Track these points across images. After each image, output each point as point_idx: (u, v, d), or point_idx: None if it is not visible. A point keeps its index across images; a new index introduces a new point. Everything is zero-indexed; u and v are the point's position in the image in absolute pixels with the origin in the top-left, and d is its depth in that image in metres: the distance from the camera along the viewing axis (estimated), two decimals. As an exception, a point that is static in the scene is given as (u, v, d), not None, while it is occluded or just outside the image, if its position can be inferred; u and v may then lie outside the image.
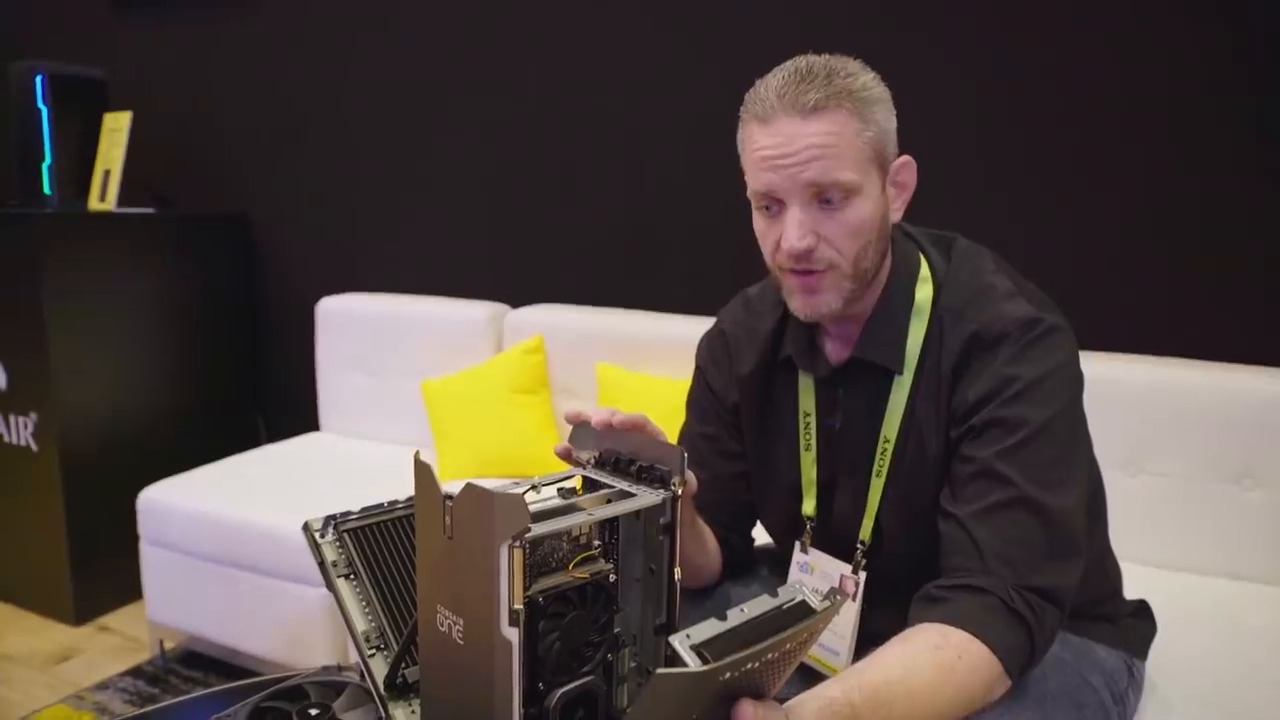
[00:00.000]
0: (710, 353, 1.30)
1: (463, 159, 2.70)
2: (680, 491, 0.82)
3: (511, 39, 2.57)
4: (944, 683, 0.88)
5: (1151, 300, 1.97)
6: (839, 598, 0.76)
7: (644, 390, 2.21)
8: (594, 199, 2.54)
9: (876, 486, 1.12)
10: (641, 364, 2.27)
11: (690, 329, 2.24)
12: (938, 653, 0.90)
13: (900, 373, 1.09)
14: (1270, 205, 1.86)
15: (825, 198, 1.01)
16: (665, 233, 2.46)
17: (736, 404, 1.25)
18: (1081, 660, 1.11)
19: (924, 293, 1.10)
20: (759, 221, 1.08)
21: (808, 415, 1.17)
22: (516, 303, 2.59)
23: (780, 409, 1.21)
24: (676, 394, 2.11)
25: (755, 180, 1.04)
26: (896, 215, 1.09)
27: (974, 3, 2.04)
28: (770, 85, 1.03)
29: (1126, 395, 1.81)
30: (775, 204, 1.04)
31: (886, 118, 1.04)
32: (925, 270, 1.12)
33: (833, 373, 1.15)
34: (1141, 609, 1.28)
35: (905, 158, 1.07)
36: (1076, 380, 1.06)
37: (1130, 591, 1.29)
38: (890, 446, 1.10)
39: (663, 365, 2.23)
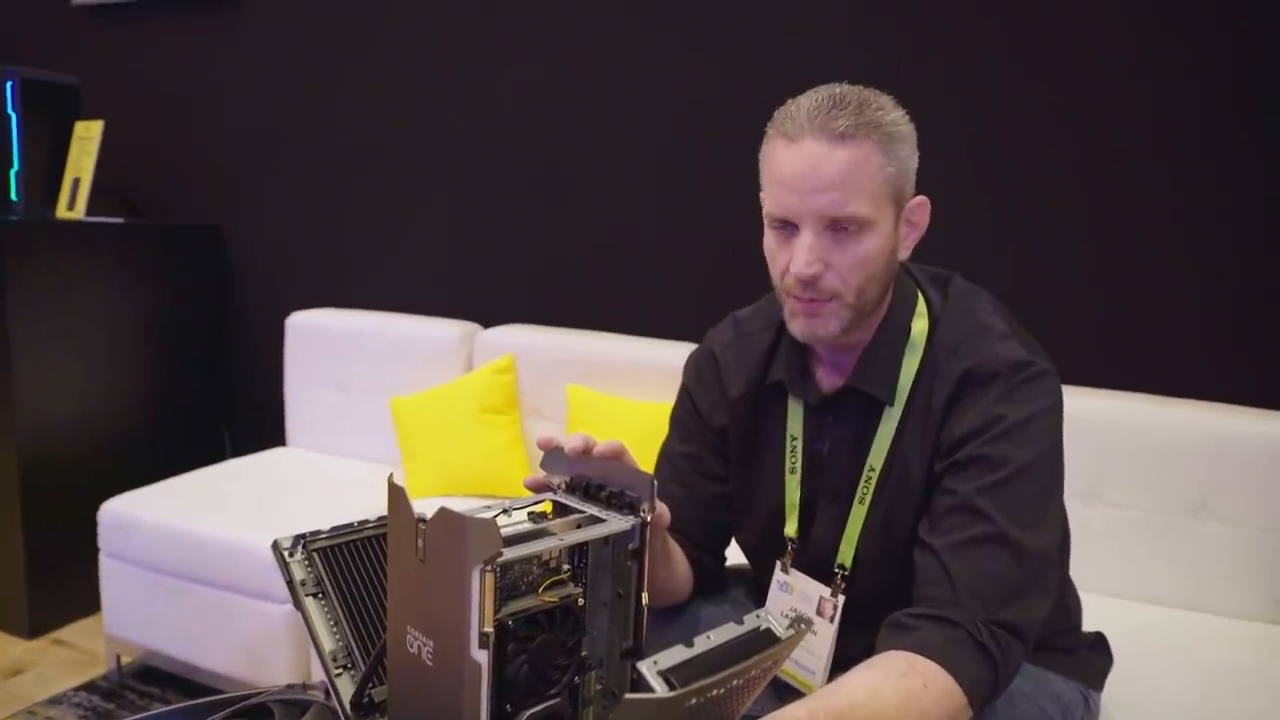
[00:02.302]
0: (698, 373, 1.31)
1: (437, 177, 2.71)
2: (649, 518, 0.83)
3: (485, 59, 2.59)
4: (909, 710, 0.90)
5: (1112, 336, 2.01)
6: (803, 626, 0.78)
7: (615, 413, 2.21)
8: (567, 220, 2.56)
9: (859, 513, 1.14)
10: (612, 386, 2.28)
11: (662, 353, 2.26)
12: (904, 680, 0.91)
13: (891, 404, 1.12)
14: (1231, 245, 1.91)
15: (838, 228, 1.03)
16: (639, 256, 2.48)
17: (724, 427, 1.26)
18: (1039, 691, 1.12)
19: (919, 327, 1.13)
20: (770, 240, 1.09)
21: (794, 439, 1.19)
22: (488, 322, 2.59)
23: (767, 431, 1.23)
24: (647, 417, 2.14)
25: (773, 201, 1.06)
26: (904, 254, 1.11)
27: (954, 28, 2.08)
28: (802, 106, 1.04)
29: (1086, 428, 1.84)
30: (789, 226, 1.06)
31: (909, 155, 1.06)
32: (922, 305, 1.14)
33: (824, 400, 1.17)
34: (1098, 641, 1.30)
35: (921, 198, 1.10)
36: (1059, 424, 1.09)
37: (1088, 622, 1.31)
38: (875, 475, 1.13)
39: (634, 388, 2.25)
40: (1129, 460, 1.84)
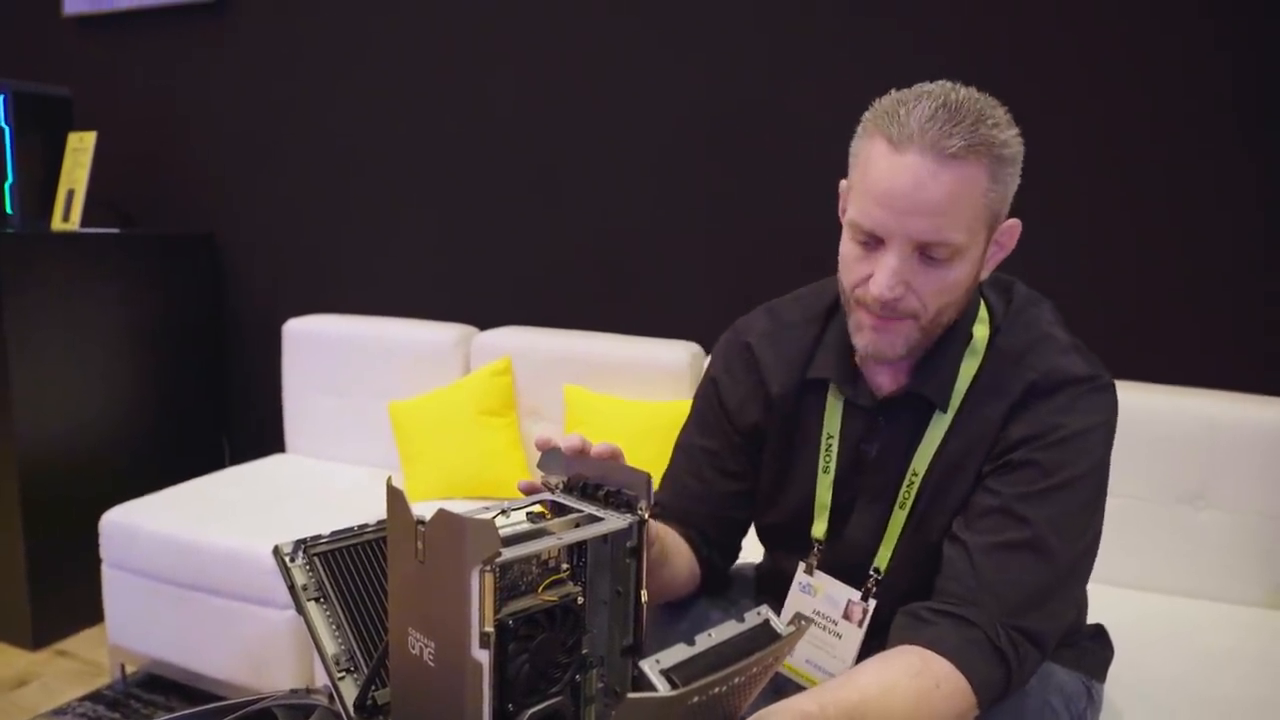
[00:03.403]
0: (728, 364, 1.24)
1: (430, 181, 2.72)
2: (647, 516, 0.83)
3: (477, 63, 2.60)
4: (919, 709, 0.89)
5: (1106, 325, 2.02)
6: (803, 624, 0.79)
7: (612, 413, 2.22)
8: (562, 222, 2.56)
9: (899, 518, 1.12)
10: (609, 386, 2.28)
11: (659, 352, 2.26)
12: (917, 679, 0.91)
13: (945, 410, 1.09)
14: (1226, 233, 1.91)
15: (928, 253, 0.98)
16: (634, 256, 2.49)
17: (754, 423, 1.21)
18: (1043, 683, 1.12)
19: (980, 333, 1.10)
20: (848, 242, 1.04)
21: (830, 437, 1.16)
22: (484, 325, 2.60)
23: (805, 429, 1.19)
24: (645, 417, 2.15)
25: (862, 211, 1.00)
26: (985, 274, 1.07)
27: (952, 26, 2.09)
28: (914, 112, 0.96)
29: (1083, 418, 1.84)
30: (873, 240, 1.00)
31: (1013, 178, 1.01)
32: (983, 311, 1.12)
33: (876, 402, 1.13)
34: (1099, 633, 1.30)
35: (1014, 220, 1.05)
36: (1112, 440, 1.08)
37: (1090, 611, 1.31)
38: (918, 480, 1.10)
39: (631, 388, 2.25)
40: (1125, 449, 1.81)
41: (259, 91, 2.93)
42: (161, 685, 2.34)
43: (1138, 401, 1.85)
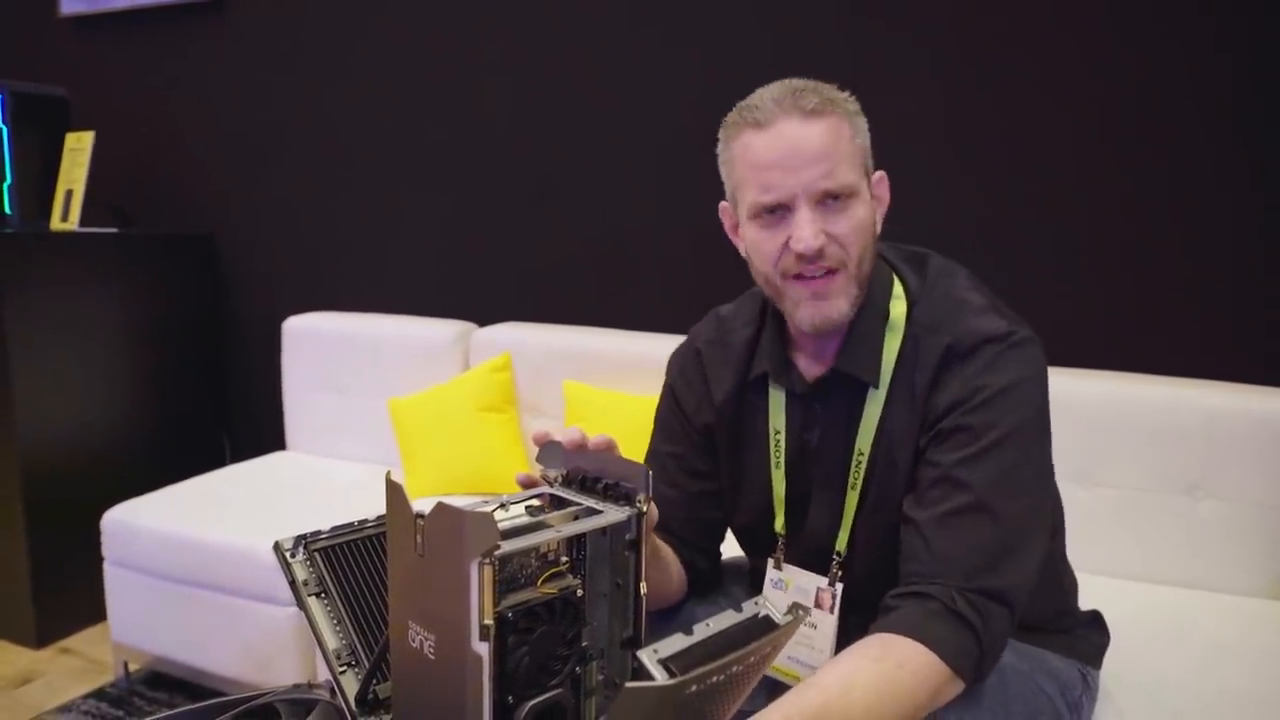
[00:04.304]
0: (682, 370, 1.29)
1: (428, 178, 2.72)
2: (646, 509, 0.84)
3: (472, 59, 2.60)
4: (886, 695, 0.90)
5: (1103, 316, 2.02)
6: (801, 612, 0.79)
7: (611, 408, 2.22)
8: (560, 217, 2.57)
9: (852, 499, 1.14)
10: (609, 382, 2.29)
11: (658, 347, 2.26)
12: (877, 665, 0.92)
13: (876, 386, 1.11)
14: (1222, 222, 1.92)
15: (830, 199, 1.04)
16: (633, 251, 2.49)
17: (708, 425, 1.25)
18: (1036, 669, 1.13)
19: (898, 309, 1.13)
20: (754, 232, 1.09)
21: (778, 433, 1.19)
22: (483, 321, 2.60)
23: (752, 427, 1.22)
24: (644, 412, 2.13)
25: (758, 189, 1.06)
26: (877, 227, 1.12)
27: (947, 24, 2.09)
28: (765, 96, 1.07)
29: (1079, 409, 1.85)
30: (780, 209, 1.06)
31: (866, 132, 1.10)
32: (898, 288, 1.14)
33: (809, 388, 1.16)
34: (1094, 619, 1.31)
35: (881, 173, 1.13)
36: (1044, 391, 1.09)
37: (1085, 601, 1.32)
38: (864, 459, 1.12)
39: (630, 383, 2.25)
40: (1123, 440, 1.84)
41: (256, 90, 2.93)
42: (165, 682, 2.35)
43: (1137, 392, 1.86)
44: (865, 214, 1.07)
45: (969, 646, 0.96)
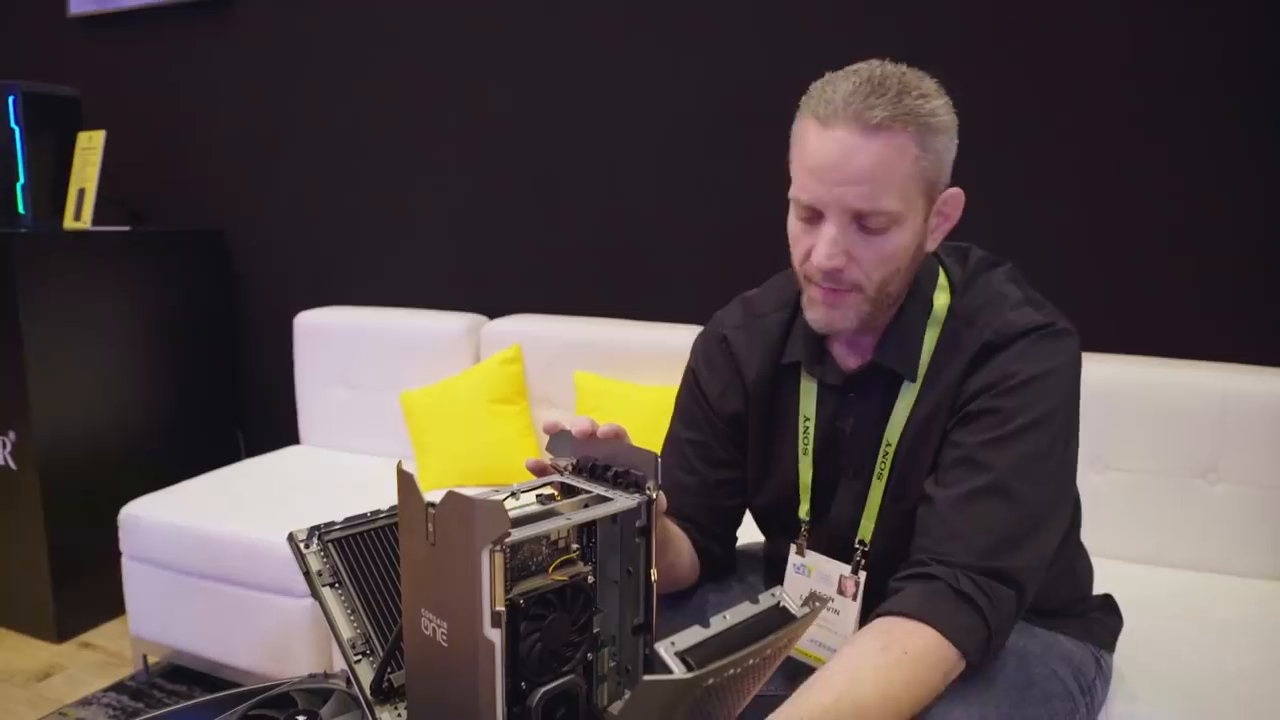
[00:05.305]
0: (707, 357, 1.28)
1: (438, 171, 2.72)
2: (655, 496, 0.84)
3: (486, 51, 2.60)
4: (893, 682, 0.90)
5: (1118, 299, 2.01)
6: (818, 604, 0.79)
7: (622, 398, 2.23)
8: (570, 209, 2.57)
9: (877, 489, 1.14)
10: (619, 372, 2.29)
11: (668, 337, 2.27)
12: (883, 654, 0.92)
13: (914, 381, 1.10)
14: (1237, 206, 1.91)
15: (865, 221, 1.00)
16: (642, 241, 2.49)
17: (735, 413, 1.24)
18: (1049, 653, 1.13)
19: (941, 301, 1.12)
20: (794, 224, 1.07)
21: (807, 420, 1.18)
22: (494, 313, 2.61)
23: (782, 413, 1.21)
24: (655, 401, 2.15)
25: (800, 187, 1.03)
26: (932, 245, 1.08)
27: (948, 16, 2.08)
28: (839, 88, 0.99)
29: (1094, 393, 1.82)
30: (814, 214, 1.03)
31: (947, 147, 1.03)
32: (943, 279, 1.13)
33: (845, 379, 1.15)
34: (1107, 603, 1.31)
35: (955, 189, 1.07)
36: (1075, 383, 1.08)
37: (1098, 585, 1.32)
38: (891, 450, 1.12)
39: (641, 373, 2.26)
40: (1137, 424, 1.84)
41: (266, 87, 2.94)
42: (185, 675, 2.37)
43: (1150, 375, 1.85)
44: (903, 241, 1.02)
45: (975, 625, 0.96)
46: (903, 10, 2.11)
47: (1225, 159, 1.90)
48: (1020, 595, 1.00)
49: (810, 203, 1.02)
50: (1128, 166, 1.97)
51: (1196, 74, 1.90)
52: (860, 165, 0.97)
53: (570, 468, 0.91)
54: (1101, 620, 1.27)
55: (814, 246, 1.03)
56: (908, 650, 0.92)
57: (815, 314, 1.08)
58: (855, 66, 1.02)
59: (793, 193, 1.05)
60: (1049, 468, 1.04)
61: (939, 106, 1.01)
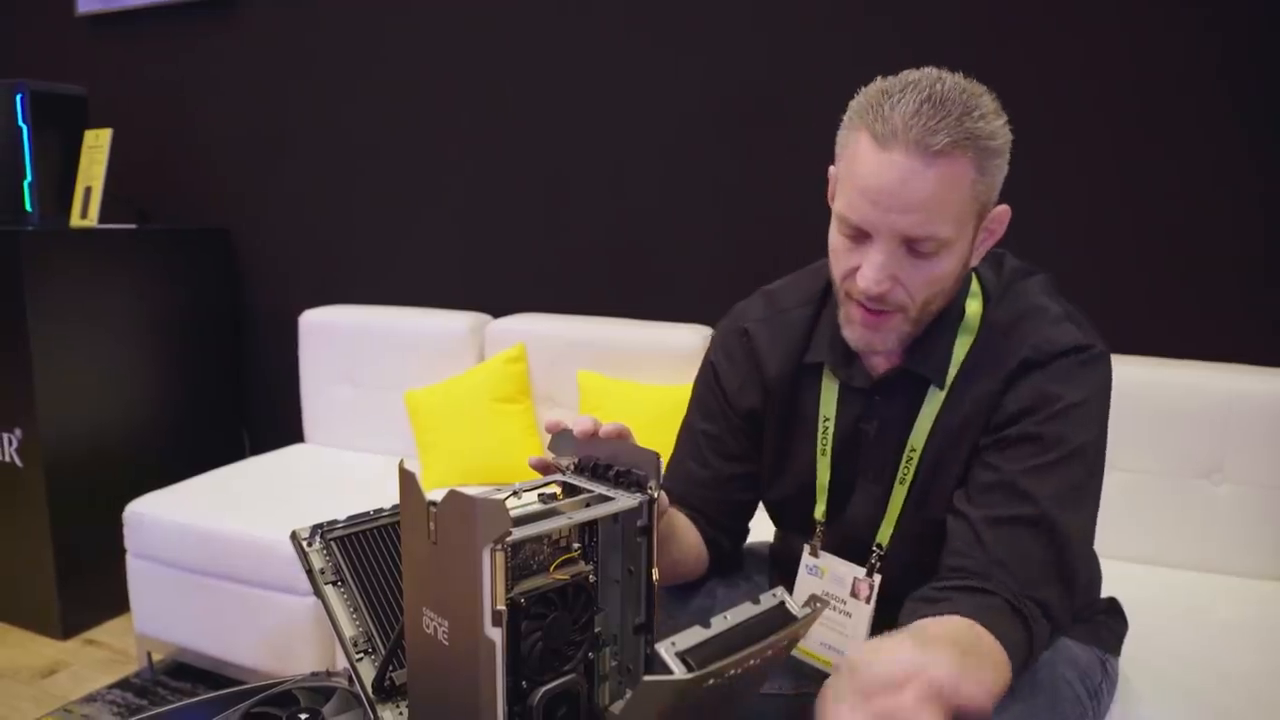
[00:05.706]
0: (726, 349, 1.26)
1: (441, 171, 2.73)
2: (656, 495, 0.84)
3: (489, 51, 2.60)
4: (986, 664, 0.88)
5: (1118, 299, 2.01)
6: (819, 605, 0.79)
7: (626, 397, 2.23)
8: (573, 208, 2.57)
9: (899, 493, 1.12)
10: (623, 371, 2.30)
11: (671, 336, 2.27)
12: (971, 630, 0.91)
13: (942, 387, 1.09)
14: (1237, 206, 1.90)
15: (915, 246, 0.98)
16: (645, 241, 2.49)
17: (752, 408, 1.22)
18: (1057, 657, 1.12)
19: (973, 308, 1.10)
20: (837, 238, 1.04)
21: (827, 420, 1.17)
22: (498, 313, 2.61)
23: (802, 411, 1.20)
24: (658, 401, 2.16)
25: (849, 205, 0.99)
26: (975, 260, 1.07)
27: (950, 16, 2.08)
28: (897, 108, 0.95)
29: (1096, 395, 1.84)
30: (861, 234, 1.00)
31: (1001, 169, 1.00)
32: (975, 285, 1.12)
33: (873, 382, 1.14)
34: (1113, 607, 1.30)
35: (1003, 207, 1.05)
36: (1108, 408, 1.07)
37: (1104, 588, 1.32)
38: (916, 455, 1.11)
39: (644, 373, 2.26)
40: (1140, 424, 1.84)
41: (271, 86, 2.95)
42: (189, 673, 2.38)
43: (1154, 376, 1.85)
44: (952, 264, 1.00)
45: (1023, 644, 0.94)
46: (903, 10, 2.11)
47: (1225, 159, 1.89)
48: (1055, 628, 0.99)
49: (859, 224, 0.99)
50: (1127, 166, 1.97)
51: (1196, 74, 1.89)
52: (917, 193, 0.94)
53: (572, 467, 0.91)
54: (1107, 624, 1.26)
55: (858, 267, 1.00)
56: (990, 652, 0.90)
57: (853, 334, 1.06)
58: (913, 77, 0.98)
59: (839, 209, 1.01)
60: (1085, 500, 1.03)
61: (998, 128, 0.98)
